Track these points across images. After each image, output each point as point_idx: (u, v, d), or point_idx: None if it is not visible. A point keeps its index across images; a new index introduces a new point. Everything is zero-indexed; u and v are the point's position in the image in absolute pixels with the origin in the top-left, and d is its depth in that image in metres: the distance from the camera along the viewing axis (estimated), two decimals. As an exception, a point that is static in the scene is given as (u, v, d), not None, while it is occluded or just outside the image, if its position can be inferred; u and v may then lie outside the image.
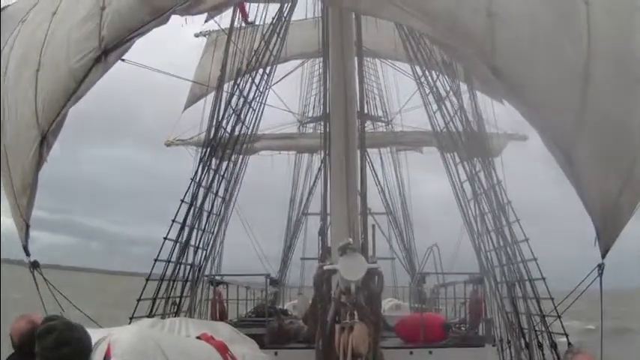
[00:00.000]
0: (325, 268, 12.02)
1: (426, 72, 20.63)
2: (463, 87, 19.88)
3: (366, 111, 32.08)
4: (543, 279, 15.11)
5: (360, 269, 11.24)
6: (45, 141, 12.49)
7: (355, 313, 10.78)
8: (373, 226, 21.25)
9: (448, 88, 19.67)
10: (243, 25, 22.35)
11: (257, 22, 22.69)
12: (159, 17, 11.25)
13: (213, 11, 11.94)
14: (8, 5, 15.79)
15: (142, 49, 11.89)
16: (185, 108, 36.65)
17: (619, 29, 11.14)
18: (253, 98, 20.27)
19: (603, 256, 11.34)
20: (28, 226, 13.46)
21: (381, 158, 38.63)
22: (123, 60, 12.08)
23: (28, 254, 13.65)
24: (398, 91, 37.03)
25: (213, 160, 19.18)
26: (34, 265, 13.63)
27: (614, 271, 11.68)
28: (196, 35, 37.25)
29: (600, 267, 11.61)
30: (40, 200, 13.21)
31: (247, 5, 19.99)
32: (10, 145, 13.39)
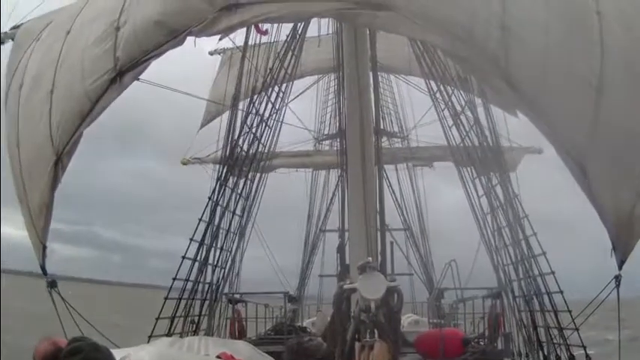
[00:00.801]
0: (345, 287, 12.01)
1: (441, 87, 20.63)
2: (478, 101, 19.85)
3: (381, 127, 32.12)
4: (561, 292, 15.05)
5: (380, 288, 11.23)
6: (60, 162, 12.54)
7: (375, 331, 10.78)
8: (391, 242, 21.24)
9: (463, 103, 19.66)
10: (259, 40, 22.39)
11: (272, 39, 22.76)
12: (174, 39, 11.32)
13: (230, 32, 11.96)
14: (22, 23, 15.90)
15: (157, 65, 11.92)
16: (201, 127, 36.66)
17: (632, 39, 11.13)
18: (269, 116, 20.31)
19: (620, 267, 11.29)
20: (45, 247, 13.51)
21: (397, 174, 38.58)
22: (138, 79, 12.10)
23: (45, 273, 13.70)
24: (413, 106, 37.02)
25: (231, 179, 19.21)
26: (52, 284, 13.67)
27: (629, 280, 11.61)
28: (211, 53, 37.31)
29: (617, 278, 11.57)
30: (58, 213, 13.26)
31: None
32: (25, 166, 13.45)
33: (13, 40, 15.68)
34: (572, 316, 14.81)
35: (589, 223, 11.08)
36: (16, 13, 16.22)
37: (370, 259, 12.08)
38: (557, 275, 15.38)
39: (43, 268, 13.70)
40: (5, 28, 15.95)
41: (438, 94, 21.05)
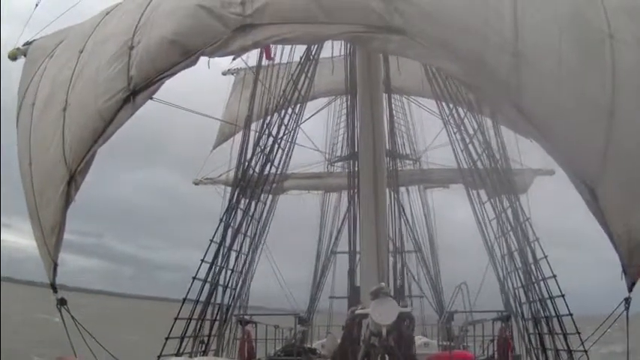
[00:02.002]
0: (357, 312, 12.02)
1: (453, 110, 20.64)
2: (489, 123, 19.86)
3: (394, 149, 32.16)
4: (570, 315, 15.00)
5: (392, 313, 11.26)
6: (73, 181, 12.58)
7: (386, 355, 10.79)
8: (403, 265, 21.26)
9: (475, 126, 19.67)
10: (272, 61, 22.46)
11: (284, 60, 22.83)
12: (188, 58, 11.40)
13: (243, 52, 12.04)
14: (35, 39, 16.00)
15: (171, 83, 11.98)
16: (214, 147, 36.77)
17: None
18: (282, 137, 20.33)
19: (630, 290, 11.26)
20: (56, 265, 13.53)
21: (408, 196, 38.54)
22: (152, 99, 12.16)
23: (55, 291, 13.71)
24: (425, 128, 37.04)
25: (243, 200, 19.21)
26: (62, 302, 13.69)
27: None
28: (224, 73, 37.39)
29: (627, 301, 11.54)
30: (69, 224, 13.26)
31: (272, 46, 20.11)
32: (37, 183, 13.49)
33: (25, 56, 15.78)
34: (581, 339, 14.76)
35: (601, 241, 11.06)
36: (29, 28, 16.32)
37: (383, 284, 12.11)
38: (567, 293, 15.34)
39: (53, 286, 13.71)
40: (18, 44, 16.05)
41: (450, 118, 21.06)
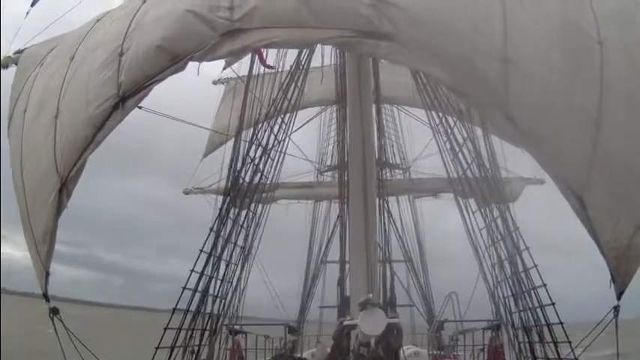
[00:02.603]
0: (345, 323, 12.05)
1: (443, 119, 20.65)
2: (479, 132, 19.87)
3: (384, 158, 32.16)
4: (561, 323, 14.99)
5: (380, 324, 11.33)
6: (65, 188, 12.55)
7: None
8: (392, 275, 21.25)
9: (465, 135, 19.68)
10: (262, 71, 22.42)
11: (276, 70, 22.79)
12: (176, 63, 11.40)
13: (231, 57, 12.06)
14: (26, 48, 15.99)
15: (161, 92, 12.00)
16: (204, 156, 36.75)
17: (632, 69, 11.21)
18: (272, 147, 20.31)
19: (619, 298, 11.27)
20: (48, 274, 13.47)
21: (398, 206, 38.54)
22: (140, 107, 12.17)
23: (47, 300, 13.64)
24: (414, 137, 37.06)
25: (232, 210, 19.17)
26: (54, 311, 13.61)
27: (628, 300, 11.58)
28: (214, 83, 37.35)
29: (616, 309, 11.54)
30: (59, 235, 13.21)
31: (265, 50, 20.08)
32: (29, 191, 13.46)
33: (16, 64, 15.78)
34: (572, 347, 14.74)
35: (591, 248, 11.09)
36: (19, 38, 16.33)
37: (371, 295, 12.15)
38: (558, 301, 15.33)
39: (45, 295, 13.65)
40: (9, 52, 16.04)
41: (439, 127, 21.07)
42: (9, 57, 16.01)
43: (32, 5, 17.23)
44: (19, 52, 16.04)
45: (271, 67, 22.31)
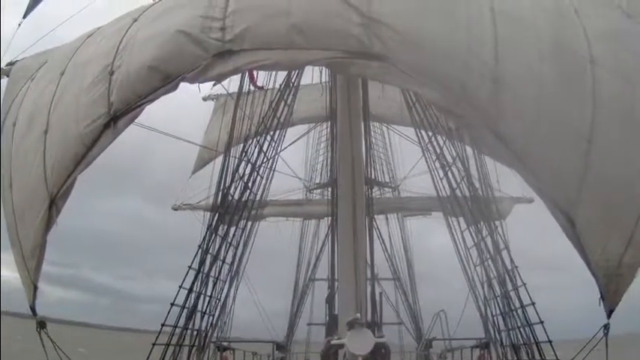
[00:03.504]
0: (333, 342, 12.05)
1: (432, 138, 20.68)
2: (469, 151, 19.91)
3: (372, 177, 32.16)
4: (550, 342, 15.00)
5: (368, 344, 11.33)
6: (54, 205, 12.50)
7: None
8: (380, 293, 21.25)
9: (454, 154, 19.71)
10: (252, 87, 22.45)
11: (266, 87, 22.81)
12: (168, 84, 11.39)
13: (223, 78, 12.07)
14: (17, 60, 15.96)
15: (150, 109, 11.96)
16: (193, 172, 36.77)
17: (624, 87, 11.26)
18: (261, 165, 20.30)
19: (609, 316, 11.26)
20: (36, 288, 13.41)
21: (387, 224, 38.52)
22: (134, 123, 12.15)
23: (35, 314, 13.57)
24: (404, 156, 37.09)
25: (222, 227, 19.13)
26: (41, 325, 13.54)
27: (619, 316, 11.55)
28: (204, 99, 37.37)
29: (606, 327, 11.52)
30: (46, 254, 13.16)
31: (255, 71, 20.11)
32: (18, 206, 13.40)
33: (7, 76, 15.75)
34: None
35: (580, 266, 11.08)
36: (11, 50, 16.29)
37: (359, 315, 12.14)
38: (547, 318, 15.32)
39: (33, 309, 13.58)
40: (1, 64, 16.02)
41: (429, 145, 21.09)
42: (2, 68, 15.98)
43: (24, 17, 17.23)
44: (11, 63, 16.01)
45: (261, 88, 22.37)
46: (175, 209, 37.47)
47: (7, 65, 16.01)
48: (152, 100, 11.59)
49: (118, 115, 11.64)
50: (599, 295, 11.10)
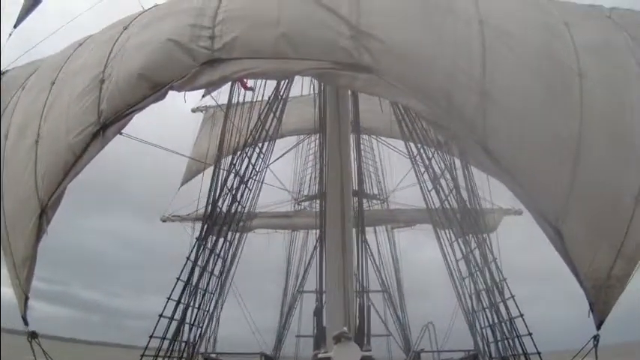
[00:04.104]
0: (320, 356, 12.03)
1: (421, 150, 20.69)
2: (458, 163, 19.92)
3: (362, 189, 32.12)
4: (539, 353, 14.98)
5: (354, 358, 11.29)
6: (45, 214, 12.46)
7: None
8: (369, 306, 21.17)
9: (443, 166, 19.71)
10: (242, 99, 22.45)
11: (255, 98, 22.75)
12: (157, 92, 11.37)
13: (211, 87, 12.08)
14: (8, 70, 15.93)
15: (139, 121, 11.95)
16: (182, 184, 36.68)
17: (612, 101, 11.31)
18: (249, 177, 20.26)
19: (598, 327, 11.23)
20: (27, 298, 13.35)
21: (376, 236, 38.50)
22: (121, 134, 12.12)
23: (26, 324, 13.50)
24: (393, 168, 37.09)
25: (210, 239, 19.08)
26: (33, 335, 13.47)
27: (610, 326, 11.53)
28: (193, 110, 37.32)
29: (595, 338, 11.50)
30: (36, 270, 13.10)
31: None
32: (9, 216, 13.36)
33: (-2, 85, 15.73)
34: None
35: (569, 277, 11.06)
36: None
37: (346, 329, 12.12)
38: (536, 330, 15.31)
39: (24, 318, 13.51)
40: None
41: (417, 158, 21.10)
42: None
43: (15, 26, 17.19)
44: (1, 73, 15.98)
45: (251, 89, 22.33)
46: (164, 221, 37.35)
47: (-2, 74, 16.00)
48: (141, 109, 11.60)
49: (107, 123, 11.63)
50: (588, 307, 11.10)
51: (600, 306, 11.00)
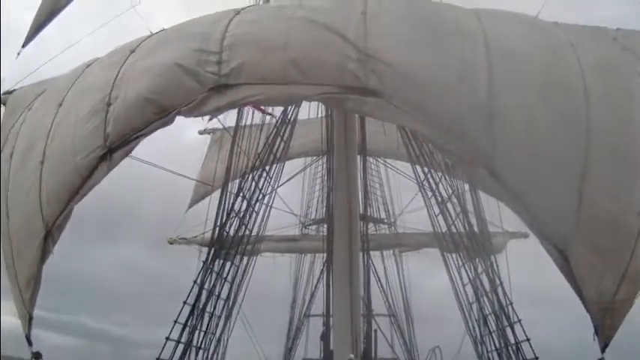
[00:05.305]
0: None
1: (428, 174, 20.66)
2: (465, 186, 19.90)
3: (369, 213, 32.09)
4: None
5: None
6: (50, 236, 12.45)
7: None
8: (375, 330, 21.13)
9: (450, 191, 19.68)
10: (249, 122, 22.43)
11: (263, 121, 22.74)
12: (164, 117, 11.36)
13: (218, 112, 12.06)
14: (15, 89, 15.97)
15: (143, 142, 11.91)
16: (189, 207, 36.63)
17: (618, 122, 11.26)
18: (257, 201, 20.24)
19: (603, 351, 11.17)
20: (31, 318, 13.32)
21: (383, 260, 38.36)
22: (130, 156, 12.12)
23: (30, 344, 13.46)
24: (400, 191, 36.97)
25: (217, 262, 19.04)
26: (37, 355, 13.44)
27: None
28: (200, 133, 37.32)
29: None
30: (43, 301, 13.09)
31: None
32: (14, 236, 13.35)
33: (4, 105, 15.75)
34: None
35: (575, 300, 10.99)
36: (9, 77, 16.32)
37: (352, 356, 12.10)
38: (542, 352, 15.23)
39: (28, 338, 13.48)
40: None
41: (425, 182, 21.06)
42: None
43: (23, 46, 17.28)
44: (9, 92, 16.03)
45: (268, 114, 22.34)
46: (171, 243, 37.27)
47: (4, 94, 16.03)
48: (148, 134, 11.57)
49: (114, 147, 11.62)
50: (593, 330, 11.05)
51: (605, 329, 10.94)
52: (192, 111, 11.37)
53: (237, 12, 12.39)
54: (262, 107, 21.46)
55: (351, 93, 10.92)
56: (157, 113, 11.36)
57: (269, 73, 11.11)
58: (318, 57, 11.16)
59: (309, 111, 28.99)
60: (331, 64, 11.01)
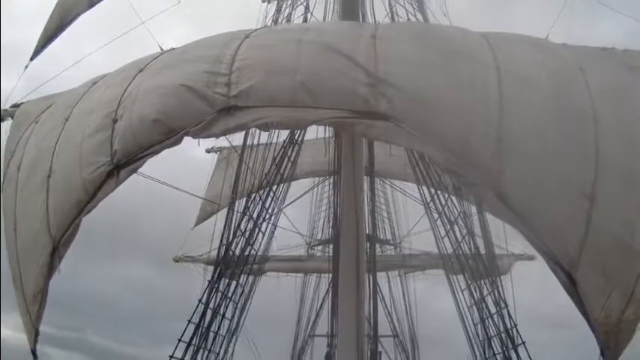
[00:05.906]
0: None
1: (435, 196, 20.68)
2: (472, 208, 19.91)
3: (375, 234, 32.11)
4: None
5: None
6: (57, 251, 12.45)
7: None
8: (380, 352, 21.12)
9: (457, 213, 19.69)
10: (256, 141, 22.45)
11: (270, 140, 22.75)
12: (171, 137, 11.36)
13: (226, 134, 12.03)
14: (22, 103, 16.01)
15: (151, 160, 11.88)
16: (195, 225, 36.68)
17: (628, 146, 11.21)
18: (263, 221, 20.25)
19: None
20: (37, 332, 13.33)
21: (389, 281, 38.32)
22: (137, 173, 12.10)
23: (35, 357, 13.47)
24: (407, 213, 36.93)
25: (223, 281, 19.05)
26: None
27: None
28: (207, 151, 37.37)
29: None
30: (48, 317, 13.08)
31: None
32: (21, 251, 13.36)
33: (12, 118, 15.78)
34: None
35: (580, 320, 10.96)
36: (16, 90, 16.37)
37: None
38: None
39: (34, 352, 13.49)
40: (5, 106, 16.06)
41: (431, 203, 21.08)
42: (5, 110, 16.01)
43: (31, 59, 17.32)
44: (16, 105, 16.06)
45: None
46: (177, 261, 37.32)
47: (11, 107, 16.06)
48: (155, 153, 11.53)
49: (121, 164, 11.63)
50: (599, 352, 11.02)
51: (611, 350, 10.92)
52: (201, 132, 11.30)
53: (247, 35, 12.39)
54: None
55: (360, 117, 10.90)
56: (165, 134, 11.33)
57: (278, 96, 11.08)
58: (329, 81, 11.13)
59: (317, 131, 29.00)
60: (341, 88, 10.97)
